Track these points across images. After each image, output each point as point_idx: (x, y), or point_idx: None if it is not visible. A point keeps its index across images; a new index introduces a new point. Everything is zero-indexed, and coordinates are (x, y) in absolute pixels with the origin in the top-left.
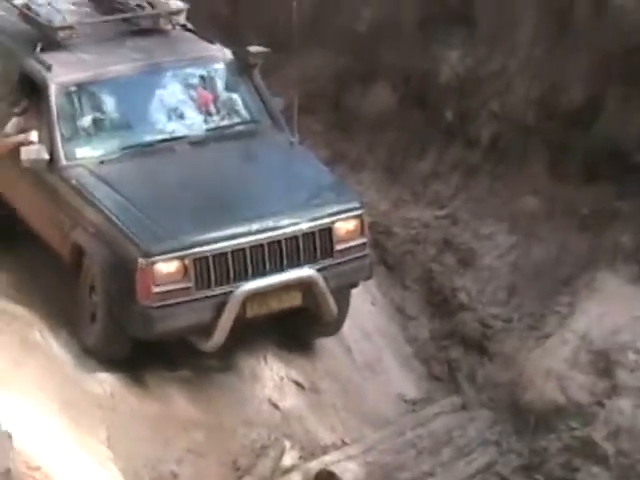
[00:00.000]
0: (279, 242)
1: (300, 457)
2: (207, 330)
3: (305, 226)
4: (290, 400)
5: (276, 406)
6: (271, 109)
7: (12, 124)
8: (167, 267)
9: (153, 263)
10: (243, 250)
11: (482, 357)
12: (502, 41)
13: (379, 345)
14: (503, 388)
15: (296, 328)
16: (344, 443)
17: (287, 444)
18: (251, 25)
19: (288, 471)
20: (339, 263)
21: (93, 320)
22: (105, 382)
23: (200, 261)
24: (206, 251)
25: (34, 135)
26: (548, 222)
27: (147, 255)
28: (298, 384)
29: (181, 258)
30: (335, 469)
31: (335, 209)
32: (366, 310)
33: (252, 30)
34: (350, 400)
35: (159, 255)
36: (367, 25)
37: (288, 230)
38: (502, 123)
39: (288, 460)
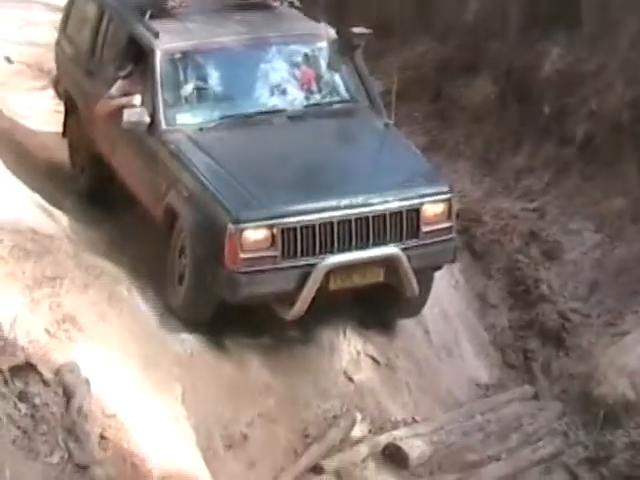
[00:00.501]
0: (367, 219)
1: (370, 430)
2: (290, 299)
3: (393, 205)
4: (365, 374)
5: (351, 379)
6: (370, 90)
7: (117, 87)
8: (255, 235)
9: (242, 230)
10: (331, 224)
11: (558, 349)
12: (603, 42)
13: (457, 329)
14: (576, 381)
15: (377, 308)
16: (414, 420)
17: (358, 416)
18: (358, 10)
19: (357, 442)
20: (424, 244)
21: (181, 282)
22: (186, 341)
23: (288, 231)
24: (294, 222)
25: (137, 99)
26: (634, 223)
27: (237, 222)
28: (374, 359)
29: (269, 227)
30: (403, 444)
31: (424, 191)
32: (448, 294)
33: (359, 14)
34: (424, 379)
35: (248, 222)
36: (474, 16)
37: (376, 208)
38: (597, 122)
39: (358, 432)
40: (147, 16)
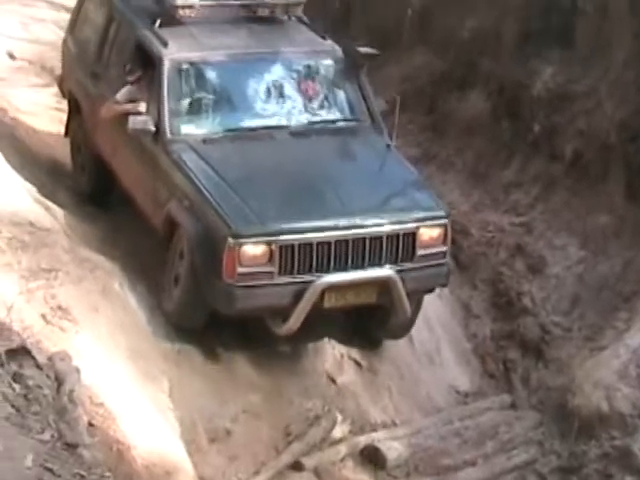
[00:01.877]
0: (364, 240)
1: (350, 431)
2: (284, 314)
3: (390, 228)
4: (347, 377)
5: (333, 381)
6: (373, 110)
7: (123, 92)
8: (254, 250)
9: (241, 244)
10: (328, 243)
11: (538, 361)
12: (595, 62)
13: (440, 337)
14: (554, 392)
15: (366, 327)
16: (393, 423)
17: (339, 417)
18: (361, 20)
19: (337, 442)
20: (418, 267)
21: (175, 283)
22: (174, 337)
23: (286, 248)
24: (293, 239)
25: (142, 106)
26: (617, 240)
27: (236, 236)
28: (357, 363)
29: (268, 243)
30: (381, 446)
31: (421, 215)
32: (432, 302)
33: (361, 25)
34: (405, 385)
35: (248, 237)
36: (470, 33)
37: (373, 230)
38: (586, 141)
39: (338, 432)
40: (157, 24)
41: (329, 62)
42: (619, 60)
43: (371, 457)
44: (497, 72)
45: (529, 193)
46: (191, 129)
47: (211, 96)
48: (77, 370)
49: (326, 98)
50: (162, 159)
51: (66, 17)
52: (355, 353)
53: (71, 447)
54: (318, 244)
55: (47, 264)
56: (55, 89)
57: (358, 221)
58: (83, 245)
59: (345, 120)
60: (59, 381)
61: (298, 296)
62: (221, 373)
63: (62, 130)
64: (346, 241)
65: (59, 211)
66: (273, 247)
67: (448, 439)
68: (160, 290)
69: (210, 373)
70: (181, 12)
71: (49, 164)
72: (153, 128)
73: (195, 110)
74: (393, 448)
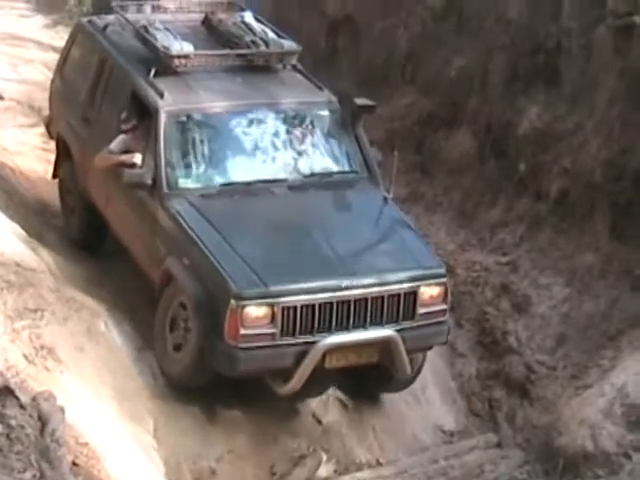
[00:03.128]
0: (366, 300)
1: (335, 470)
2: (285, 375)
3: (392, 288)
4: (333, 416)
5: (319, 421)
6: (369, 161)
7: (118, 141)
8: (257, 311)
9: (244, 307)
10: (331, 304)
11: (523, 400)
12: (581, 101)
13: (425, 376)
14: (539, 431)
15: (367, 384)
16: (378, 463)
17: (324, 457)
18: (347, 60)
19: None
20: (419, 326)
21: (177, 349)
22: (159, 376)
23: (288, 310)
24: (296, 301)
25: (138, 157)
26: (603, 279)
27: (239, 298)
28: (342, 403)
29: (271, 304)
30: None
31: (422, 274)
32: None
33: (348, 65)
34: (390, 424)
35: (251, 300)
36: (457, 72)
37: (375, 289)
38: (572, 180)
39: (323, 472)
40: (152, 73)
41: (325, 113)
42: (604, 99)
43: None
44: (484, 111)
45: (515, 232)
46: (188, 183)
47: (208, 149)
48: (61, 410)
49: (323, 150)
50: (159, 214)
51: (54, 58)
52: (340, 393)
53: None
54: (320, 305)
55: (33, 304)
56: (42, 129)
57: (360, 282)
58: (69, 285)
59: (342, 172)
60: (43, 421)
61: (300, 357)
62: (206, 413)
63: (49, 170)
64: (348, 302)
65: (45, 251)
66: (275, 309)
67: (434, 478)
68: (158, 350)
69: (195, 413)
70: (176, 62)
71: (36, 204)
72: (150, 182)
73: (192, 163)
74: None
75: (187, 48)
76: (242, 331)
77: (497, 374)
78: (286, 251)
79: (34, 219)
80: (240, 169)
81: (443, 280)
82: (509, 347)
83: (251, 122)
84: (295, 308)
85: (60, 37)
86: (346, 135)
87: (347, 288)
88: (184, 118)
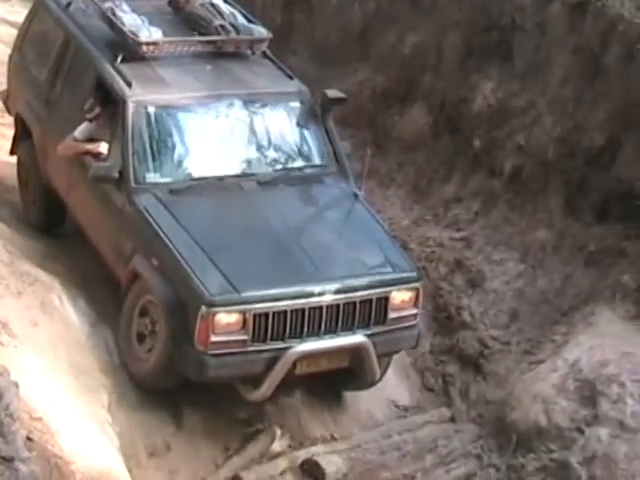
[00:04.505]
0: (337, 306)
1: (289, 445)
2: (255, 381)
3: (364, 293)
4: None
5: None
6: (340, 155)
7: (82, 129)
8: (227, 318)
9: (215, 313)
10: (303, 310)
11: (476, 375)
12: (534, 78)
13: None
14: (492, 406)
15: (333, 384)
16: (333, 438)
17: (278, 432)
18: (303, 36)
19: (276, 457)
20: (389, 330)
21: (140, 342)
22: (114, 352)
23: (260, 316)
24: (267, 307)
25: (104, 147)
26: (556, 255)
27: (210, 305)
28: None
29: (242, 312)
30: (320, 460)
31: (394, 278)
32: None
33: (303, 41)
34: (344, 400)
35: (222, 306)
36: (412, 49)
37: (348, 295)
38: (525, 156)
39: (277, 447)
40: (119, 59)
41: (297, 104)
42: (558, 76)
43: (311, 471)
44: (438, 88)
45: (469, 208)
46: (156, 177)
47: (177, 141)
48: (15, 384)
49: (293, 143)
50: (126, 209)
51: (9, 32)
52: None
53: (7, 461)
54: (292, 312)
55: None
56: None
57: (333, 288)
58: (23, 259)
59: (312, 166)
60: None
61: (271, 363)
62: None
63: (4, 145)
64: (320, 308)
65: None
66: (247, 315)
67: (387, 453)
68: (122, 347)
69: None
70: (145, 48)
71: None
72: (117, 175)
73: (160, 156)
74: (332, 462)
75: (156, 35)
76: (213, 338)
77: (451, 349)
78: (257, 254)
79: None
80: (209, 163)
81: (415, 285)
82: (463, 322)
83: (221, 114)
84: (267, 315)
85: (15, 11)
86: (316, 127)
87: (320, 294)
88: (153, 109)
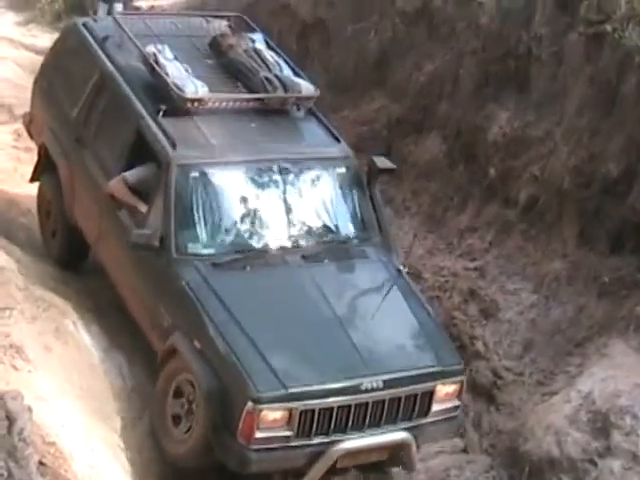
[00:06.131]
0: (383, 402)
1: None
2: (296, 472)
3: (410, 388)
4: None
5: None
6: (384, 225)
7: (134, 172)
8: (273, 415)
9: (261, 410)
10: (349, 406)
11: (489, 405)
12: (550, 108)
13: None
14: (505, 436)
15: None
16: None
17: None
18: (319, 62)
19: None
20: (431, 422)
21: (176, 425)
22: (127, 377)
23: (306, 413)
24: (314, 404)
25: (144, 207)
26: (570, 285)
27: (257, 401)
28: None
29: (289, 408)
30: None
31: (440, 371)
32: None
33: (319, 68)
34: None
35: (269, 403)
36: (428, 77)
37: (394, 391)
38: (540, 186)
39: None
40: (161, 113)
41: (343, 170)
42: (573, 106)
43: None
44: (453, 116)
45: (483, 238)
46: (199, 248)
47: (221, 209)
48: (29, 409)
49: (338, 212)
50: (166, 280)
51: (26, 55)
52: None
53: None
54: (338, 408)
55: (1, 302)
56: (12, 127)
57: (380, 383)
58: (38, 284)
59: (357, 238)
60: (10, 420)
61: (313, 458)
62: None
63: (19, 168)
64: (366, 403)
65: (14, 249)
66: (293, 412)
67: None
68: (156, 426)
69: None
70: (190, 104)
71: (5, 203)
72: (157, 243)
73: (203, 225)
74: None
75: (202, 90)
76: (257, 434)
77: None
78: (305, 344)
79: (2, 217)
80: (253, 233)
81: (461, 378)
82: (476, 352)
83: (266, 181)
84: (313, 411)
85: (32, 34)
86: (362, 195)
87: (367, 390)
88: (197, 174)
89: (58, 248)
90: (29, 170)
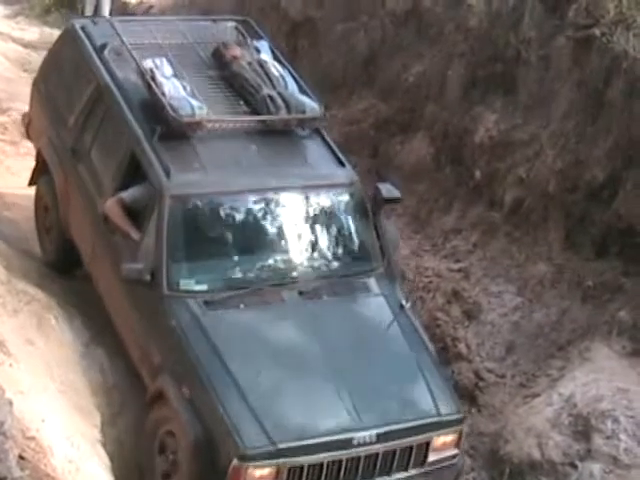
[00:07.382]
0: (376, 455)
1: None
2: None
3: (405, 440)
4: None
5: None
6: (388, 253)
7: (131, 193)
8: (261, 472)
9: (248, 467)
10: (340, 461)
11: (471, 407)
12: (537, 112)
13: None
14: (486, 438)
15: None
16: None
17: None
18: (307, 62)
19: None
20: (427, 472)
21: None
22: (108, 373)
23: (295, 469)
24: (304, 460)
25: (136, 234)
26: (554, 289)
27: (244, 458)
28: None
29: (277, 465)
30: None
31: (438, 422)
32: None
33: (308, 67)
34: None
35: (256, 460)
36: (416, 78)
37: (388, 444)
38: (526, 189)
39: None
40: (156, 136)
41: (346, 198)
42: (561, 110)
43: None
44: (441, 118)
45: (468, 239)
46: (192, 284)
47: (215, 243)
48: (9, 403)
49: (339, 242)
50: (157, 317)
51: (14, 48)
52: None
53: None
54: (329, 463)
55: None
56: None
57: (373, 437)
58: (21, 278)
59: (358, 270)
60: None
61: None
62: None
63: (4, 161)
64: (358, 458)
65: None
66: (281, 468)
67: None
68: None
69: (141, 407)
70: (186, 127)
71: None
72: (148, 277)
73: (196, 260)
74: None
75: (199, 112)
76: None
77: None
78: (296, 395)
79: None
80: (248, 269)
81: (459, 427)
82: (458, 354)
83: (264, 212)
84: (302, 467)
85: (20, 28)
86: (365, 223)
87: (359, 445)
88: (191, 206)
89: (54, 254)
90: (14, 163)
